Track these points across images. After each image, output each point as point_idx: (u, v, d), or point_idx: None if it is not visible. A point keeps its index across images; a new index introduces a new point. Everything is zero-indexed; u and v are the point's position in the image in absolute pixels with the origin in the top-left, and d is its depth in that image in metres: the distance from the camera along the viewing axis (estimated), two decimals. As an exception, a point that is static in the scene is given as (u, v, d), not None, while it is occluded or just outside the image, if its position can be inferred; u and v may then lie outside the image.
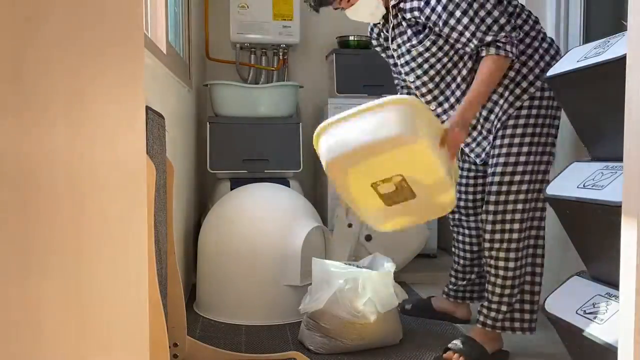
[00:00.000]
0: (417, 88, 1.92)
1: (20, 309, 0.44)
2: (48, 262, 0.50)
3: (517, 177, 1.81)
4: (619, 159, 1.00)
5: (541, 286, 1.90)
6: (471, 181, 2.08)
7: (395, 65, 2.00)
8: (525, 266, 1.87)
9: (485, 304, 1.90)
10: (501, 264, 1.84)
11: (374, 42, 2.03)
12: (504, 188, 1.81)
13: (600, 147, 1.53)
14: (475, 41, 1.71)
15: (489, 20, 1.68)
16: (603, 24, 2.39)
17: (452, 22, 1.70)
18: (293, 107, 3.09)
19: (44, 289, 0.49)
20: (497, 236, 1.83)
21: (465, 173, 2.08)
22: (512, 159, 1.81)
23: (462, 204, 2.11)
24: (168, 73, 2.04)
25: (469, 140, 1.95)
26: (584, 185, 1.44)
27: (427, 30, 1.78)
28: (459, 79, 1.84)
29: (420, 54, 1.82)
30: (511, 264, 1.83)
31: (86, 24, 0.62)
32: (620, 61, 1.20)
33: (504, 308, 1.86)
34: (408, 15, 1.77)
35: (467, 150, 2.02)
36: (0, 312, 0.42)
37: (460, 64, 1.82)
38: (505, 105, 1.82)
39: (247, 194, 2.46)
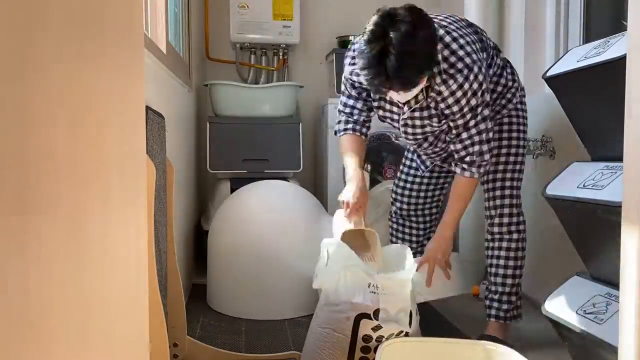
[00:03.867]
0: (406, 136, 1.92)
1: (19, 309, 0.44)
2: (47, 262, 0.50)
3: (508, 172, 1.94)
4: (619, 159, 1.00)
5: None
6: (417, 180, 2.17)
7: (384, 115, 1.92)
8: (524, 256, 1.99)
9: (496, 297, 1.95)
10: (512, 254, 1.94)
11: (363, 82, 1.73)
12: (498, 184, 1.94)
13: (600, 147, 1.53)
14: (459, 146, 1.79)
15: (478, 147, 1.78)
16: (603, 24, 2.39)
17: (460, 121, 1.76)
18: (293, 107, 3.09)
19: (43, 289, 0.49)
20: (505, 229, 1.94)
21: (412, 172, 2.17)
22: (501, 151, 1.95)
23: (413, 200, 2.19)
24: (168, 73, 2.04)
25: (432, 151, 1.99)
26: (584, 185, 1.44)
27: (443, 117, 1.79)
28: (440, 141, 1.94)
29: (428, 127, 1.84)
30: (520, 253, 1.95)
31: (85, 23, 0.62)
32: (620, 61, 1.20)
33: (513, 298, 1.95)
34: (442, 106, 1.74)
35: (423, 156, 2.09)
36: (0, 313, 0.42)
37: (444, 135, 1.90)
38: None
39: (253, 193, 2.51)
